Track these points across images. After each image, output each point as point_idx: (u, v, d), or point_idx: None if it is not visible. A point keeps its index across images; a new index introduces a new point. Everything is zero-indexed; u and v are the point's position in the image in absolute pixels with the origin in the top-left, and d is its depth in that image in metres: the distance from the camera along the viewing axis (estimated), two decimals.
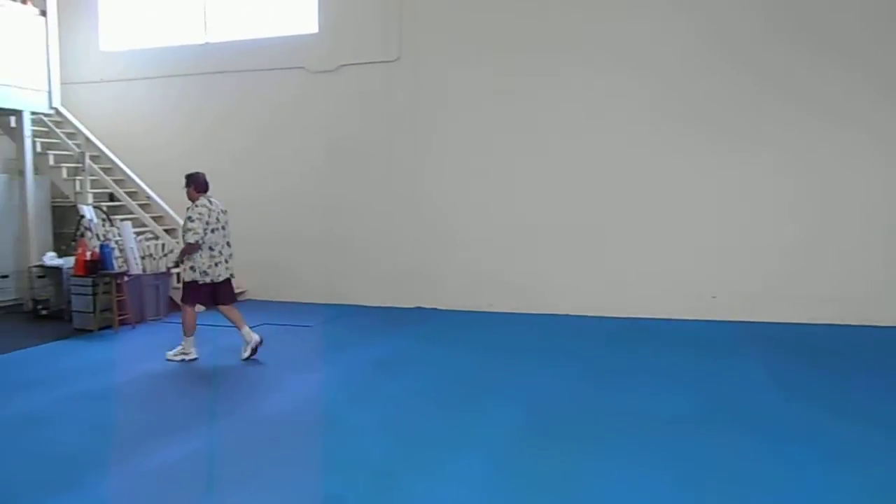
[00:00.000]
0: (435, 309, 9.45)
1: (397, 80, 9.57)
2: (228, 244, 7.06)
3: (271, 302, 10.11)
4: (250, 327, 7.07)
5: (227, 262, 7.02)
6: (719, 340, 7.60)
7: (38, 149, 9.98)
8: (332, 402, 5.70)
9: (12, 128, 9.81)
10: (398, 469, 4.31)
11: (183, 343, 6.96)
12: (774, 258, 8.36)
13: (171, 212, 9.98)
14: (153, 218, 9.96)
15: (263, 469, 4.31)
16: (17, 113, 9.62)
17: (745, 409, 5.35)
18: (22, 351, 7.38)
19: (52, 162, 10.07)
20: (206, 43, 10.58)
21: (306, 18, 10.06)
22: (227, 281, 7.09)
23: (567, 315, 8.89)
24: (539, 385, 6.02)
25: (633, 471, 4.23)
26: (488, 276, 9.32)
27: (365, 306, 9.66)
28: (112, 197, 9.98)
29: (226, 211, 7.11)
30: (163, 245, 9.42)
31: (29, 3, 9.67)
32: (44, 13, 9.78)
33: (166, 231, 9.88)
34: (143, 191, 10.07)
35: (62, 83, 10.21)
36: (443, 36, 9.39)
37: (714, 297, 8.51)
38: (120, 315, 8.35)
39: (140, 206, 9.91)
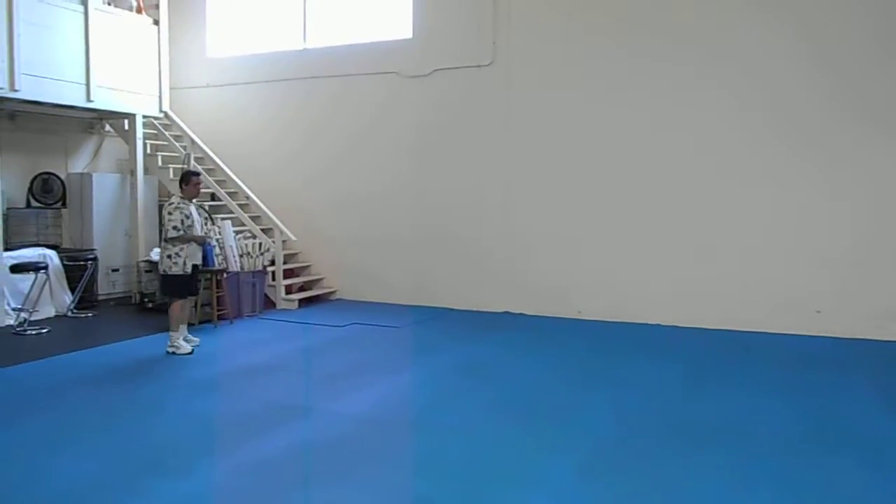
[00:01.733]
0: (522, 314, 9.39)
1: (490, 85, 9.58)
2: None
3: (360, 302, 10.30)
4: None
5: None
6: (823, 357, 7.20)
7: (148, 150, 10.56)
8: (419, 404, 5.73)
9: (125, 130, 10.43)
10: (485, 474, 4.29)
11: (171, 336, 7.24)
12: (883, 273, 7.85)
13: (268, 212, 10.33)
14: (251, 218, 10.35)
15: (352, 467, 4.38)
16: (131, 116, 10.21)
17: (851, 430, 5.04)
18: (129, 341, 7.80)
19: (160, 163, 10.64)
20: (305, 49, 10.92)
21: (401, 24, 10.23)
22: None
23: (660, 325, 8.64)
24: (630, 396, 5.87)
25: (730, 490, 4.04)
26: (578, 282, 9.18)
27: (452, 309, 9.70)
28: (214, 197, 10.43)
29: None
30: (260, 244, 9.77)
31: (143, 13, 10.24)
32: (156, 22, 10.33)
33: (263, 230, 10.25)
34: (243, 191, 10.47)
35: (171, 88, 10.75)
36: (537, 40, 9.33)
37: (818, 312, 8.07)
38: (219, 310, 8.70)
39: (240, 205, 10.31)
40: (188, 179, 7.38)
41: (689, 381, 6.38)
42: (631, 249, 8.93)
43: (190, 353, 7.12)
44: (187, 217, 7.17)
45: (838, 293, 8.04)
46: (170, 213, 7.19)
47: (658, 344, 7.84)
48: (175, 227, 7.12)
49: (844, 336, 7.89)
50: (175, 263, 7.15)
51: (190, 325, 7.73)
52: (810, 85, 8.08)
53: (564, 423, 5.19)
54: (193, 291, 7.51)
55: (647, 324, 8.70)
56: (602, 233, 9.07)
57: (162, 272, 7.33)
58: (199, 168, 10.43)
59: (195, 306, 8.21)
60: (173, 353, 7.14)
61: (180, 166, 10.43)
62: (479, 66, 9.62)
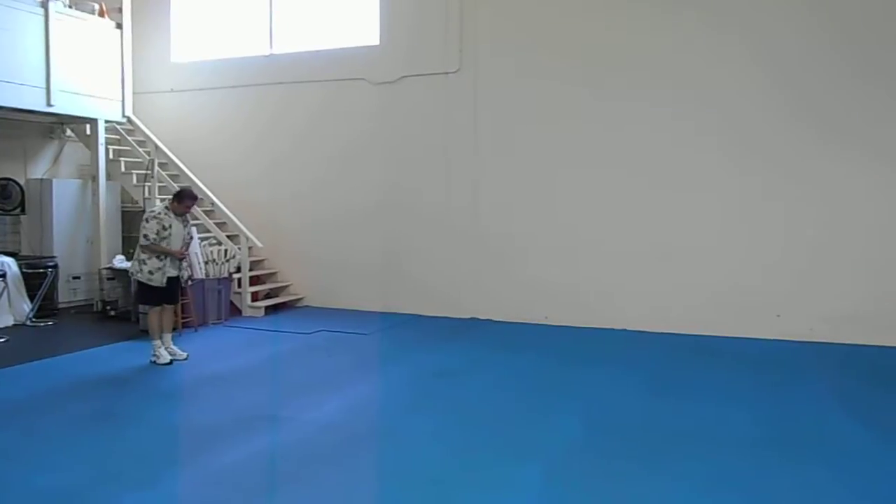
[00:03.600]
0: (490, 320, 9.44)
1: (458, 92, 9.63)
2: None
3: (327, 309, 10.25)
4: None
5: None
6: (784, 360, 7.36)
7: (111, 155, 10.39)
8: (388, 410, 5.73)
9: (87, 135, 10.24)
10: (452, 479, 4.31)
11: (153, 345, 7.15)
12: (848, 278, 8.08)
13: (233, 218, 10.23)
14: (216, 224, 10.24)
15: (319, 474, 4.36)
16: (93, 121, 10.03)
17: (813, 433, 5.15)
18: (92, 349, 7.66)
19: (122, 168, 10.47)
20: (271, 55, 10.86)
21: (368, 31, 10.24)
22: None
23: (626, 330, 8.75)
24: (598, 400, 5.94)
25: (694, 495, 4.12)
26: (545, 288, 9.26)
27: (420, 315, 9.71)
28: None
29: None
30: (225, 251, 9.66)
31: (106, 16, 10.08)
32: (119, 26, 10.17)
33: (229, 237, 10.14)
34: (208, 197, 10.35)
35: (134, 93, 10.59)
36: (504, 47, 9.42)
37: (778, 316, 8.27)
38: (184, 318, 8.58)
39: (204, 212, 10.20)
40: (182, 199, 7.16)
41: (654, 386, 6.45)
42: (597, 255, 9.04)
43: (168, 364, 7.00)
44: (164, 228, 6.98)
45: (796, 297, 8.24)
46: (146, 221, 7.01)
47: (623, 349, 7.93)
48: (145, 236, 6.96)
49: (803, 339, 8.08)
50: (140, 270, 7.01)
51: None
52: (766, 98, 8.28)
53: (531, 429, 5.23)
54: (170, 300, 7.27)
55: (613, 329, 8.80)
56: (568, 238, 9.17)
57: (131, 275, 7.17)
58: (164, 174, 10.33)
59: (177, 314, 8.00)
60: (154, 362, 7.02)
61: (144, 172, 10.29)
62: (446, 73, 9.67)
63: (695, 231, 8.65)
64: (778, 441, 4.99)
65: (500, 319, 9.40)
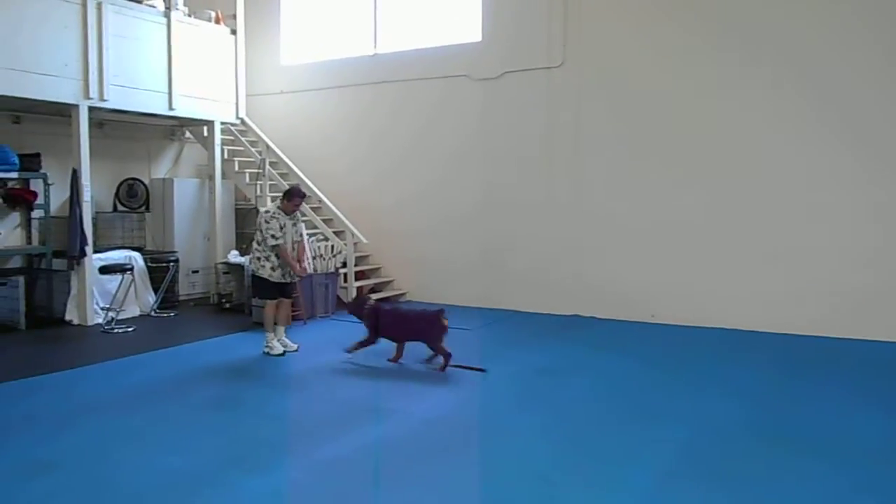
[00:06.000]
0: (593, 317, 9.27)
1: (561, 86, 9.51)
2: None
3: (429, 303, 10.35)
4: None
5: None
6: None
7: (225, 155, 10.92)
8: (495, 405, 5.73)
9: (204, 136, 10.82)
10: (559, 477, 4.27)
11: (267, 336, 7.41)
12: None
13: (340, 215, 10.52)
14: (323, 220, 10.56)
15: (426, 468, 4.41)
16: (210, 123, 10.58)
17: None
18: (211, 340, 8.09)
19: (236, 167, 10.98)
20: (376, 54, 11.08)
21: (470, 27, 10.26)
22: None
23: (737, 329, 8.38)
24: (705, 403, 5.71)
25: (828, 501, 3.89)
26: (651, 285, 9.00)
27: (522, 312, 9.66)
28: None
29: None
30: (332, 246, 9.95)
31: (222, 22, 10.59)
32: (234, 32, 10.66)
33: (335, 233, 10.44)
34: (316, 195, 10.68)
35: (247, 95, 11.09)
36: (608, 40, 9.21)
37: None
38: (293, 311, 8.89)
39: (312, 209, 10.53)
40: (292, 197, 7.43)
41: (776, 386, 6.17)
42: (706, 252, 8.71)
43: (281, 355, 7.29)
44: (281, 228, 7.29)
45: None
46: (267, 222, 7.28)
47: (733, 350, 7.61)
48: (273, 236, 7.22)
49: None
50: (262, 266, 7.31)
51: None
52: (887, 92, 7.73)
53: (644, 427, 5.11)
54: (286, 293, 7.54)
55: (722, 328, 8.45)
56: (676, 235, 8.88)
57: (252, 273, 7.54)
58: (275, 173, 10.74)
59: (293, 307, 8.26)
60: (267, 353, 7.34)
61: (256, 171, 10.75)
62: (549, 68, 9.56)
63: (807, 229, 8.17)
64: None
65: (604, 317, 9.21)
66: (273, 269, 7.32)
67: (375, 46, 11.13)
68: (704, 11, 8.64)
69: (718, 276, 8.64)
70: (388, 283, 10.91)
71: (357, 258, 10.53)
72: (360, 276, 10.52)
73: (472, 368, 6.66)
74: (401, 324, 7.01)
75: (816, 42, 8.06)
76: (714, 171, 8.65)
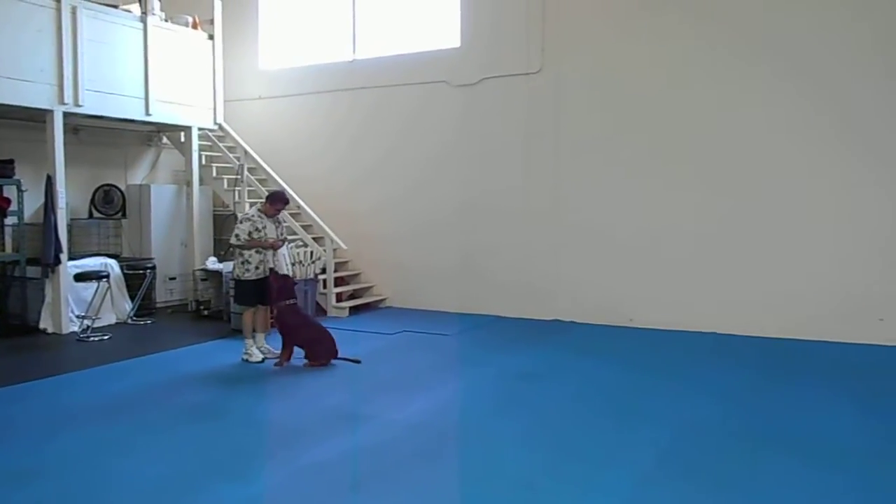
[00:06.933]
0: (573, 322, 9.33)
1: (539, 92, 9.58)
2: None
3: (409, 310, 10.37)
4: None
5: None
6: (888, 366, 6.98)
7: (203, 161, 10.84)
8: (474, 410, 5.75)
9: (182, 142, 10.73)
10: (540, 481, 4.29)
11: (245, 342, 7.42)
12: None
13: (319, 221, 10.49)
14: (302, 226, 10.53)
15: (408, 474, 4.42)
16: (187, 129, 10.51)
17: None
18: (189, 347, 8.02)
19: (214, 173, 10.90)
20: (354, 60, 11.09)
21: (448, 33, 10.31)
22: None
23: (715, 333, 8.48)
24: (686, 405, 5.78)
25: (805, 501, 3.96)
26: (629, 290, 9.09)
27: (501, 317, 9.70)
28: None
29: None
30: (311, 252, 9.92)
31: (199, 28, 10.53)
32: (211, 37, 10.61)
33: (314, 239, 10.41)
34: (295, 201, 10.65)
35: (225, 100, 11.02)
36: (586, 46, 9.31)
37: (881, 320, 7.84)
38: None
39: (291, 214, 10.49)
40: (274, 201, 7.44)
41: (751, 389, 6.26)
42: (685, 257, 8.81)
43: (260, 362, 7.26)
44: (258, 230, 7.27)
45: None
46: (240, 223, 7.35)
47: (718, 351, 7.71)
48: (237, 236, 7.27)
49: None
50: (248, 270, 7.29)
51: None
52: (880, 89, 7.87)
53: (619, 435, 5.14)
54: (264, 301, 7.45)
55: (701, 332, 8.55)
56: (655, 240, 8.98)
57: (234, 277, 7.52)
58: (253, 178, 10.69)
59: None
60: (247, 360, 7.30)
61: (234, 176, 10.68)
62: (527, 74, 9.63)
63: (782, 227, 8.31)
64: (886, 451, 4.74)
65: (583, 321, 9.28)
66: (257, 266, 7.29)
67: (354, 52, 11.13)
68: (684, 15, 8.75)
69: (697, 280, 8.75)
70: (368, 288, 10.90)
71: (336, 264, 10.51)
72: (339, 282, 10.49)
73: (350, 360, 7.13)
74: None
75: (808, 40, 8.16)
76: (693, 177, 8.76)
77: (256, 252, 7.29)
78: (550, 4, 9.46)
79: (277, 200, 7.48)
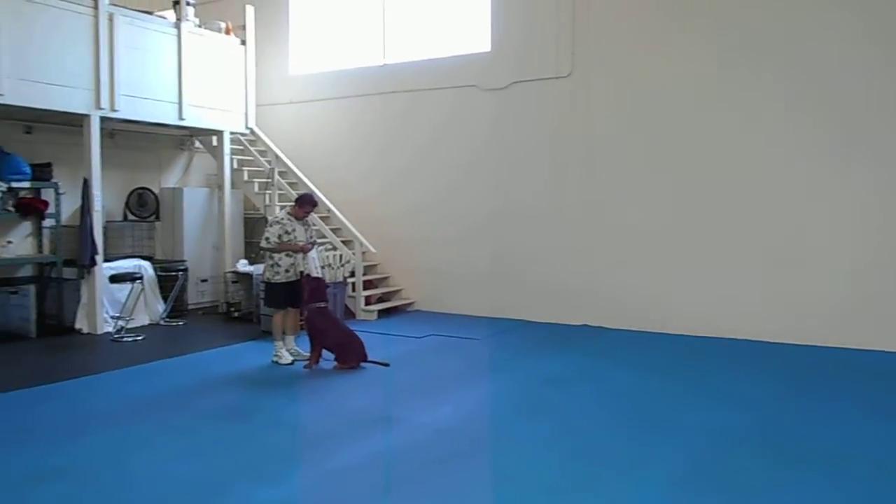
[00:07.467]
0: (602, 327, 9.24)
1: (569, 96, 9.52)
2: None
3: (438, 313, 10.36)
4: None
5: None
6: None
7: (235, 165, 10.97)
8: (503, 415, 5.71)
9: (214, 146, 10.88)
10: (567, 486, 4.25)
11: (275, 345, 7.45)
12: None
13: (348, 224, 10.55)
14: (332, 230, 10.59)
15: (436, 478, 4.40)
16: (219, 133, 10.65)
17: None
18: (220, 348, 8.11)
19: (245, 177, 11.03)
20: (385, 65, 11.13)
21: (479, 38, 10.30)
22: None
23: (747, 340, 8.34)
24: (714, 413, 5.67)
25: None
26: (661, 295, 8.97)
27: (530, 321, 9.64)
28: None
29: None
30: (340, 255, 9.97)
31: (231, 34, 10.66)
32: (244, 43, 10.74)
33: (344, 242, 10.46)
34: (324, 204, 10.71)
35: (256, 105, 11.14)
36: (616, 49, 9.23)
37: None
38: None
39: (321, 218, 10.56)
40: (303, 204, 7.49)
41: (785, 398, 6.13)
42: (717, 262, 8.68)
43: (290, 364, 7.31)
44: (287, 233, 7.33)
45: None
46: (270, 226, 7.42)
47: (748, 358, 7.57)
48: (266, 239, 7.34)
49: None
50: (277, 273, 7.34)
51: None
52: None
53: (652, 436, 5.09)
54: (294, 303, 7.52)
55: (733, 339, 8.41)
56: (686, 245, 8.85)
57: (264, 280, 7.58)
58: (283, 182, 10.78)
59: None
60: (276, 362, 7.35)
61: (265, 180, 10.79)
62: (557, 78, 9.58)
63: (817, 238, 8.14)
64: None
65: (613, 327, 9.18)
66: (287, 270, 7.34)
67: (384, 57, 11.18)
68: (714, 20, 8.64)
69: (729, 286, 8.60)
70: (397, 292, 10.91)
71: (365, 267, 10.54)
72: (368, 285, 10.53)
73: (379, 363, 7.14)
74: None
75: (828, 53, 8.04)
76: (727, 181, 8.62)
77: (286, 255, 7.34)
78: (580, 9, 9.39)
79: (306, 203, 7.53)
